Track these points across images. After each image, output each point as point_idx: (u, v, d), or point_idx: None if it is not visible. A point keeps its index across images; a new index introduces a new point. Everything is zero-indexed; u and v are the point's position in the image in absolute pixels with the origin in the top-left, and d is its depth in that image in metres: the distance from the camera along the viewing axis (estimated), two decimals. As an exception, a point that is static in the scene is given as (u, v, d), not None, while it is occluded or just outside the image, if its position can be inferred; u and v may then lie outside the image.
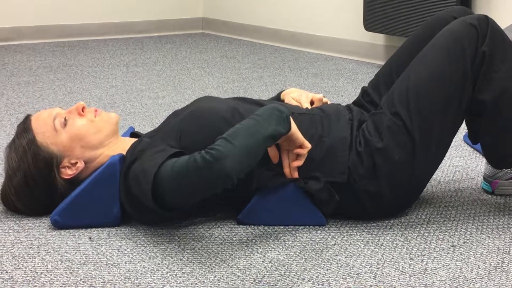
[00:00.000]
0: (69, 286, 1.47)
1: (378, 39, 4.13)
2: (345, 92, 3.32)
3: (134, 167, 1.67)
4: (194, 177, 1.55)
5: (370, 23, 3.96)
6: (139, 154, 1.70)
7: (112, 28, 5.08)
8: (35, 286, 1.46)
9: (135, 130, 2.06)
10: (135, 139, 1.84)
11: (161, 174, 1.58)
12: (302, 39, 4.62)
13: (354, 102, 2.00)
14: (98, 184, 1.74)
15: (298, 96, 1.96)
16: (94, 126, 1.79)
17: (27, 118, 1.81)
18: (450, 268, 1.56)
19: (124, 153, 1.77)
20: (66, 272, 1.53)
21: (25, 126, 1.79)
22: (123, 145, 1.81)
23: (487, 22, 1.77)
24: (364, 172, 1.75)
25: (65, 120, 1.78)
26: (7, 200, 1.81)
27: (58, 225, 1.74)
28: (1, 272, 1.52)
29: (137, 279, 1.50)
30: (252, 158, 1.59)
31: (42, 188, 1.76)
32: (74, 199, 1.73)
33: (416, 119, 1.74)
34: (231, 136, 1.57)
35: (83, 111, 1.80)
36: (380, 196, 1.77)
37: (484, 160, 2.08)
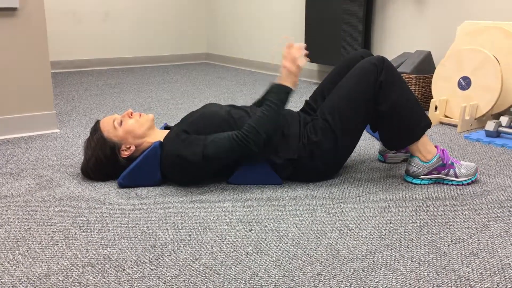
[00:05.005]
0: (124, 224, 1.47)
1: (313, 66, 4.12)
2: (292, 100, 3.32)
3: (178, 148, 1.66)
4: (231, 151, 1.64)
5: (308, 56, 3.95)
6: (175, 138, 1.69)
7: (148, 59, 5.02)
8: (102, 225, 1.46)
9: (168, 124, 2.02)
10: (167, 131, 1.82)
11: (207, 151, 1.64)
12: (268, 66, 4.60)
13: (301, 109, 1.98)
14: (146, 160, 1.72)
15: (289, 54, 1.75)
16: (139, 123, 1.76)
17: (97, 122, 1.79)
18: (357, 210, 1.58)
19: (162, 139, 1.75)
20: (121, 216, 1.53)
21: (95, 127, 1.77)
22: (161, 134, 1.79)
23: (383, 61, 1.75)
24: (306, 155, 1.75)
25: (121, 121, 1.77)
26: (86, 174, 1.80)
27: (122, 186, 1.73)
28: (81, 216, 1.52)
29: (165, 219, 1.50)
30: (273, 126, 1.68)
31: (109, 166, 1.75)
32: (131, 169, 1.72)
33: (339, 123, 1.73)
34: (257, 125, 1.64)
35: (131, 114, 1.79)
36: (316, 169, 1.77)
37: (379, 143, 2.09)
